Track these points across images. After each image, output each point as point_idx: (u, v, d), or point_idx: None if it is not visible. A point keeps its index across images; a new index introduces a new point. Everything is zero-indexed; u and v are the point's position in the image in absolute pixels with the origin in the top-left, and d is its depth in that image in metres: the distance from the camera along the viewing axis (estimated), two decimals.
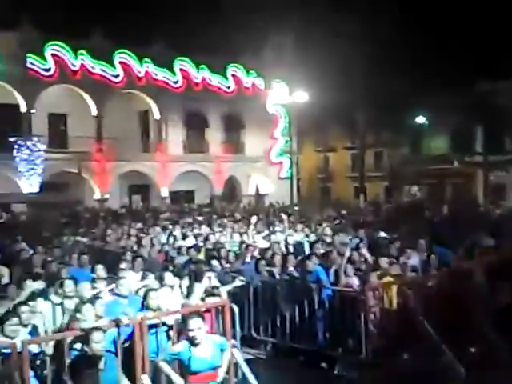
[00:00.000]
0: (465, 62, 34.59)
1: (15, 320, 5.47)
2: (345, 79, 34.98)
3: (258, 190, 38.17)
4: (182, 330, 5.69)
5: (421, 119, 38.29)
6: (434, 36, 35.86)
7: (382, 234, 11.62)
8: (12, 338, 5.33)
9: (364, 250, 9.15)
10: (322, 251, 9.75)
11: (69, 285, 6.80)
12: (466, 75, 34.50)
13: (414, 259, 9.08)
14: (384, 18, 32.70)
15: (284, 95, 33.01)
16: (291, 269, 8.73)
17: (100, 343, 4.60)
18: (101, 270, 8.23)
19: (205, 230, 14.55)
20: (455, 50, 35.34)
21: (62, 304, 6.62)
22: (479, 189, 37.92)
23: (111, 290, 7.05)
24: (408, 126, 40.09)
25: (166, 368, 5.07)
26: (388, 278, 8.01)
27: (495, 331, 8.36)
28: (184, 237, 13.17)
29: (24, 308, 5.82)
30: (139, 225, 16.05)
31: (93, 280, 7.92)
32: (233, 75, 35.28)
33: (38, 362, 5.35)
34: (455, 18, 35.24)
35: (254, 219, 13.17)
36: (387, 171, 43.94)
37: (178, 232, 13.82)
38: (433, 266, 8.82)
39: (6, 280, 8.48)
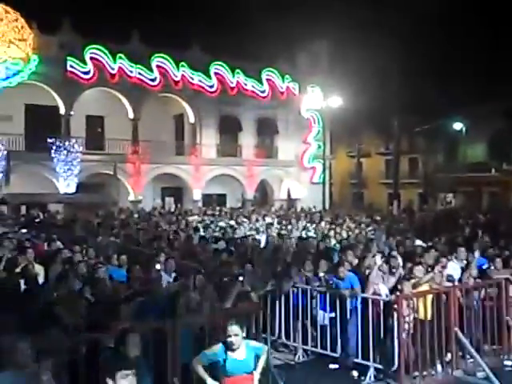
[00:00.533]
0: (504, 70, 33.82)
1: None
2: (380, 84, 34.67)
3: (289, 194, 38.07)
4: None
5: (458, 126, 37.57)
6: (473, 43, 35.21)
7: (418, 242, 11.43)
8: None
9: (398, 258, 9.00)
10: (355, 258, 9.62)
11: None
12: (505, 82, 33.72)
13: (451, 268, 8.89)
14: (422, 25, 32.26)
15: (318, 100, 32.90)
16: (321, 274, 8.65)
17: (136, 346, 4.62)
18: (137, 270, 8.29)
19: (239, 232, 14.56)
20: (494, 57, 34.62)
21: (98, 303, 6.71)
22: None
23: (146, 291, 7.11)
24: (444, 133, 39.41)
25: (201, 371, 5.07)
26: (423, 287, 7.88)
27: None
28: (216, 240, 13.20)
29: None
30: (173, 226, 16.18)
31: (128, 280, 8.03)
32: (267, 80, 35.31)
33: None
34: (495, 27, 34.55)
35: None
36: (422, 178, 43.25)
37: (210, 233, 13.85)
38: (470, 275, 8.62)
39: (41, 279, 8.64)
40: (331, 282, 8.28)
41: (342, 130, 41.06)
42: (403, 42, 33.04)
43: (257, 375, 5.10)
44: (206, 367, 5.09)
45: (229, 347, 4.93)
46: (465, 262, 9.40)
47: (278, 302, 8.82)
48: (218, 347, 5.01)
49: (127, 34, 30.90)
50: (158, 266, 8.73)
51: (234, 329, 4.93)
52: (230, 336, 4.91)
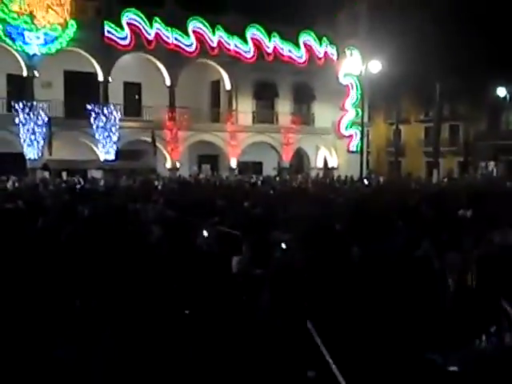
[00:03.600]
0: None
1: None
2: (421, 48, 33.51)
3: (326, 162, 37.72)
4: None
5: (501, 92, 36.23)
6: None
7: (461, 212, 11.14)
8: None
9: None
10: None
11: None
12: None
13: (500, 240, 8.63)
14: None
15: (357, 65, 32.10)
16: None
17: None
18: None
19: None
20: None
21: None
22: None
23: None
24: (487, 99, 38.10)
25: None
26: (467, 256, 7.69)
27: None
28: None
29: None
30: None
31: None
32: (305, 44, 34.60)
33: None
34: None
35: None
36: (462, 146, 42.15)
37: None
38: None
39: None
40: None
41: (380, 97, 40.16)
42: (446, 2, 31.74)
43: None
44: None
45: None
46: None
47: None
48: None
49: None
50: (205, 233, 8.76)
51: None
52: None
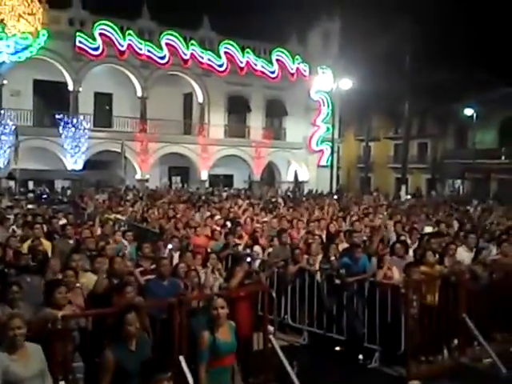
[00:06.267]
0: None
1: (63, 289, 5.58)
2: (391, 67, 34.20)
3: (296, 177, 37.95)
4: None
5: (469, 111, 37.13)
6: (485, 27, 34.58)
7: (427, 229, 11.34)
8: (60, 308, 5.40)
9: (409, 243, 8.92)
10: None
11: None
12: None
13: (461, 255, 8.80)
14: (435, 5, 31.61)
15: (328, 82, 32.54)
16: (333, 258, 8.58)
17: (133, 326, 4.56)
18: (148, 248, 8.25)
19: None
20: (506, 41, 34.02)
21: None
22: None
23: (154, 270, 7.09)
24: (455, 118, 38.98)
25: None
26: (432, 273, 7.80)
27: None
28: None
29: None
30: (181, 206, 16.12)
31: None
32: (278, 60, 34.94)
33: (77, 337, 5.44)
34: (509, 10, 33.83)
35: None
36: (430, 163, 42.91)
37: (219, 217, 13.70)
38: (479, 261, 8.55)
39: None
40: (342, 265, 8.21)
41: (351, 113, 40.72)
42: (415, 24, 32.50)
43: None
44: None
45: (215, 321, 4.87)
46: (474, 248, 9.31)
47: (285, 283, 8.77)
48: (206, 336, 4.91)
49: (137, 10, 30.64)
50: (170, 246, 8.70)
51: (219, 302, 4.90)
52: (216, 309, 4.87)
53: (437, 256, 8.11)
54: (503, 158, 37.71)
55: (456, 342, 7.82)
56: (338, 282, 8.17)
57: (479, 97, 35.06)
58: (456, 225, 12.10)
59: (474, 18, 34.17)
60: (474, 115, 36.92)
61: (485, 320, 7.95)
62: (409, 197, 30.70)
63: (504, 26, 34.14)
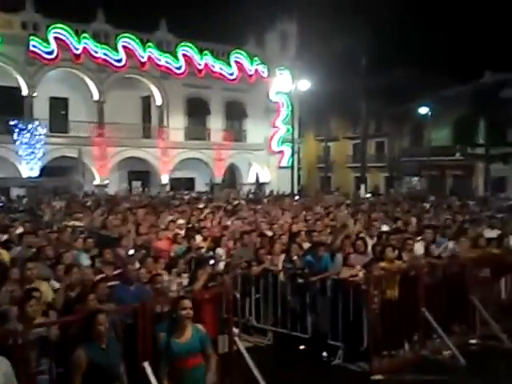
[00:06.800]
0: (469, 54, 34.38)
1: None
2: (348, 68, 34.75)
3: (258, 178, 38.08)
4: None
5: (424, 110, 38.08)
6: (439, 28, 35.64)
7: (385, 227, 11.57)
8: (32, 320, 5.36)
9: (369, 240, 9.10)
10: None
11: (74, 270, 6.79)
12: (470, 67, 34.32)
13: (419, 250, 9.03)
14: (390, 7, 32.30)
15: (287, 83, 32.79)
16: (295, 258, 8.67)
17: (103, 325, 4.63)
18: (109, 254, 8.15)
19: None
20: (460, 42, 35.14)
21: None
22: (480, 181, 37.85)
23: (118, 275, 7.01)
24: (410, 117, 39.90)
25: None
26: (391, 268, 7.97)
27: (496, 322, 8.39)
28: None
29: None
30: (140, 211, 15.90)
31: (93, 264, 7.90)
32: (236, 62, 35.00)
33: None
34: (461, 11, 34.98)
35: None
36: (388, 162, 43.80)
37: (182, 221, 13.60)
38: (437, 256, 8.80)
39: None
40: (305, 263, 8.31)
41: (310, 114, 41.16)
42: (371, 25, 33.12)
43: (211, 375, 5.04)
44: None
45: (179, 322, 4.88)
46: (431, 243, 9.54)
47: (249, 284, 8.80)
48: (161, 338, 4.95)
49: (92, 13, 30.19)
50: (131, 251, 8.61)
51: (186, 302, 4.92)
52: (183, 309, 4.88)
53: (396, 252, 8.31)
54: (457, 154, 38.85)
55: (416, 335, 8.02)
56: (301, 281, 8.28)
57: (433, 96, 36.02)
58: (414, 221, 12.37)
59: (427, 19, 35.21)
60: (429, 114, 37.88)
61: (443, 313, 8.19)
62: (368, 195, 31.25)
63: (456, 26, 35.30)
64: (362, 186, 36.61)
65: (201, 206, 18.26)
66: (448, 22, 35.41)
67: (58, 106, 31.60)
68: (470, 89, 34.80)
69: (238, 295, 8.38)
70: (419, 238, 9.80)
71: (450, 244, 9.57)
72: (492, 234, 10.55)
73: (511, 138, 36.66)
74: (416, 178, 42.64)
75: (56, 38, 28.72)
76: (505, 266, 8.95)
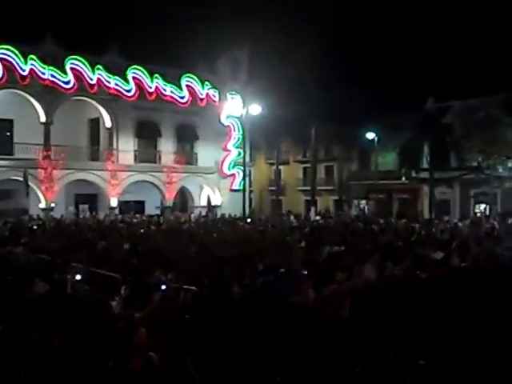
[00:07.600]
0: (413, 82, 35.72)
1: None
2: (298, 93, 35.42)
3: (209, 201, 37.99)
4: None
5: (371, 135, 39.20)
6: (384, 56, 36.95)
7: (335, 248, 11.77)
8: None
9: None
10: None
11: None
12: (414, 94, 35.66)
13: (368, 272, 9.20)
14: (335, 34, 33.31)
15: (238, 107, 33.12)
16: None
17: None
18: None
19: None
20: (404, 70, 36.49)
21: None
22: (425, 204, 39.09)
23: None
24: (358, 142, 40.93)
25: None
26: (341, 290, 8.04)
27: (445, 344, 8.58)
28: None
29: None
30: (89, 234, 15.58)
31: None
32: (187, 86, 35.10)
33: None
34: (405, 39, 36.45)
35: None
36: (337, 185, 44.66)
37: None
38: (385, 278, 8.97)
39: None
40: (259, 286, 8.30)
41: (261, 138, 41.59)
42: (321, 51, 33.98)
43: None
44: None
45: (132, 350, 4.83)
46: (379, 264, 9.75)
47: None
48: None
49: (41, 35, 29.65)
50: (78, 277, 8.38)
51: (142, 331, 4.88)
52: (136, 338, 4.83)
53: (345, 274, 8.41)
54: (403, 178, 40.07)
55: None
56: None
57: (380, 121, 37.16)
58: (363, 243, 12.63)
59: (374, 47, 36.43)
60: (376, 139, 39.02)
61: (392, 334, 8.30)
62: (318, 217, 31.68)
63: (402, 54, 36.70)
64: (312, 209, 37.12)
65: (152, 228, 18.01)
66: (394, 50, 36.75)
67: (3, 128, 30.69)
68: (414, 115, 36.12)
69: None
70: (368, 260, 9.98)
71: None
72: (437, 256, 10.88)
73: (454, 162, 38.14)
74: (364, 201, 43.62)
75: (1, 59, 28.05)
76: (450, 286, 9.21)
